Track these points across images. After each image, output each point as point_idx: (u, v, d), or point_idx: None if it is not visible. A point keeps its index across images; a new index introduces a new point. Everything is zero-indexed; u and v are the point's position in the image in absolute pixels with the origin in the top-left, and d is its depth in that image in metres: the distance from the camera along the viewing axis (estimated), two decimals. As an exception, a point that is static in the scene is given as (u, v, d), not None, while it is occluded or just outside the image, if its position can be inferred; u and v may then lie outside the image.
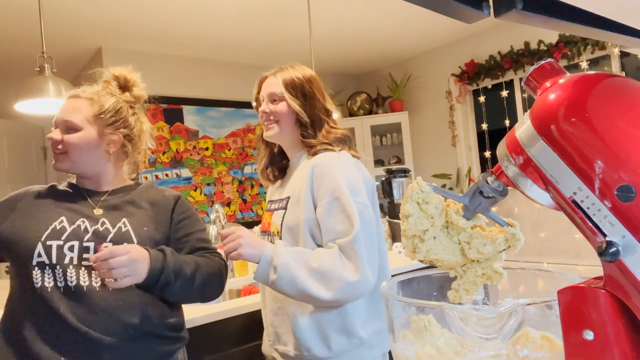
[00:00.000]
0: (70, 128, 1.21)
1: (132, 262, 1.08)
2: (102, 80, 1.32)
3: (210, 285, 1.24)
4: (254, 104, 1.49)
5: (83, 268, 1.13)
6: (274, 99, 1.38)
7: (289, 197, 1.35)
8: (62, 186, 1.30)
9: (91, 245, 1.15)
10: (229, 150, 4.32)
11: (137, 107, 1.35)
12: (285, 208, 1.35)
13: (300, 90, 1.37)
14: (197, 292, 1.22)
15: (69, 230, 1.17)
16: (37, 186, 1.29)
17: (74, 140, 1.21)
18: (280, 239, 1.32)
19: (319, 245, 1.28)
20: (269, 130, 1.39)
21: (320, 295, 1.17)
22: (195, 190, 4.10)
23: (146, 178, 3.79)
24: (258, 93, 1.45)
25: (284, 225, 1.32)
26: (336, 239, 1.22)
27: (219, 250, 1.34)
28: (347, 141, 1.40)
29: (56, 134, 1.21)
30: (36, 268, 1.12)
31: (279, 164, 1.50)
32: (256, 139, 4.48)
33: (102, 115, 1.24)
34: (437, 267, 0.65)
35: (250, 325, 1.78)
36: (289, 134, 1.39)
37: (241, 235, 1.19)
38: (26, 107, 2.28)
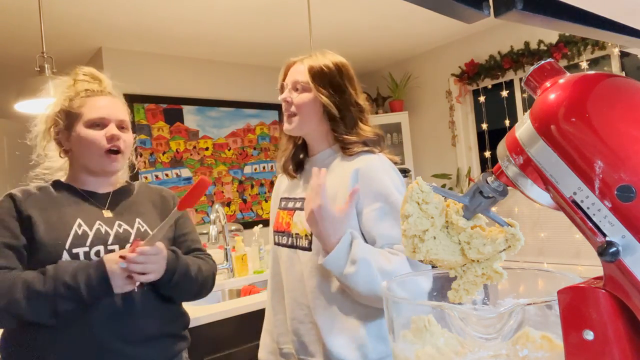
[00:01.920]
0: (124, 128, 1.26)
1: (162, 259, 1.13)
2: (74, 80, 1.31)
3: (205, 286, 1.30)
4: (280, 94, 1.34)
5: None
6: (296, 87, 1.26)
7: None
8: (53, 186, 1.23)
9: (116, 248, 1.15)
10: (229, 150, 4.32)
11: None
12: None
13: (329, 80, 1.24)
14: (195, 292, 1.27)
15: (91, 235, 1.14)
16: (30, 187, 1.21)
17: (129, 140, 1.27)
18: (311, 241, 1.22)
19: None
20: (288, 122, 1.28)
21: None
22: (195, 190, 4.09)
23: (146, 178, 3.79)
24: (283, 80, 1.32)
25: None
26: (394, 243, 1.14)
27: (209, 252, 1.41)
28: (381, 142, 1.29)
29: (113, 130, 1.23)
30: None
31: (297, 159, 1.37)
32: (256, 139, 4.49)
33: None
34: (437, 267, 0.65)
35: (250, 325, 1.78)
36: (313, 127, 1.27)
37: (322, 206, 1.06)
38: (26, 107, 2.28)
